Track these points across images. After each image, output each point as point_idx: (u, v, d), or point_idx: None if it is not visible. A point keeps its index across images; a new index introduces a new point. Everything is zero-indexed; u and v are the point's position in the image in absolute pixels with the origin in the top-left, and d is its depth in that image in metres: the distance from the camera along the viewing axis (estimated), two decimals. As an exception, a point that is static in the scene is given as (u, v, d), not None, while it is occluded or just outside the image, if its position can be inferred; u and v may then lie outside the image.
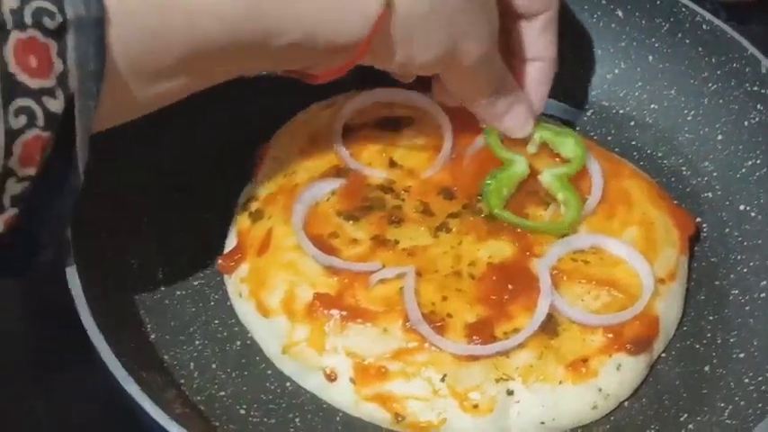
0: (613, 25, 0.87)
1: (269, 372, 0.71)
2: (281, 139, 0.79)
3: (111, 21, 0.52)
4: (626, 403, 0.71)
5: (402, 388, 0.67)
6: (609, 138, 0.86)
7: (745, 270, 0.77)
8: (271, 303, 0.71)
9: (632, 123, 0.87)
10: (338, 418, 0.69)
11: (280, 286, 0.71)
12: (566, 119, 0.85)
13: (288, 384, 0.70)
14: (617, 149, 0.84)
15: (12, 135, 0.51)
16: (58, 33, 0.51)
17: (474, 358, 0.68)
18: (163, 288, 0.73)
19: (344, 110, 0.79)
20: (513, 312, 0.69)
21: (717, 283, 0.77)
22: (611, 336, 0.70)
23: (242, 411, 0.68)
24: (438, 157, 0.78)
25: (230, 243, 0.75)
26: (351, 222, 0.73)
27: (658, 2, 0.85)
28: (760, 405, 0.67)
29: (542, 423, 0.68)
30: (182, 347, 0.70)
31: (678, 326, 0.75)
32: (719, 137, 0.83)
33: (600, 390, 0.69)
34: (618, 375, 0.69)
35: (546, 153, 0.78)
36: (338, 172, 0.76)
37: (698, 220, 0.81)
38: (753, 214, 0.79)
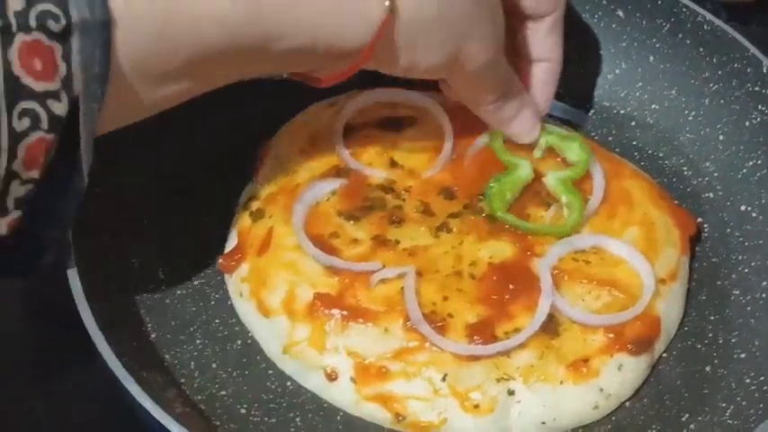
0: (614, 26, 0.87)
1: (270, 371, 0.71)
2: (281, 138, 0.79)
3: (118, 24, 0.52)
4: (627, 403, 0.71)
5: (403, 388, 0.67)
6: (610, 138, 0.86)
7: (746, 270, 0.77)
8: (271, 303, 0.71)
9: (633, 123, 0.87)
10: (339, 418, 0.69)
11: (280, 286, 0.71)
12: (566, 119, 0.85)
13: (288, 384, 0.70)
14: (618, 150, 0.84)
15: (16, 138, 0.51)
16: (63, 36, 0.51)
17: (475, 358, 0.67)
18: (163, 288, 0.73)
19: (346, 110, 0.79)
20: (513, 312, 0.69)
21: (718, 283, 0.77)
22: (612, 336, 0.70)
23: (243, 411, 0.68)
24: (439, 158, 0.77)
25: (231, 243, 0.75)
26: (351, 222, 0.73)
27: (659, 2, 0.85)
28: (761, 405, 0.67)
29: (543, 423, 0.68)
30: (182, 347, 0.70)
31: (679, 326, 0.75)
32: (720, 137, 0.83)
33: (601, 390, 0.69)
34: (619, 375, 0.69)
35: (550, 155, 0.78)
36: (339, 172, 0.76)
37: (699, 220, 0.80)
38: (754, 214, 0.79)
